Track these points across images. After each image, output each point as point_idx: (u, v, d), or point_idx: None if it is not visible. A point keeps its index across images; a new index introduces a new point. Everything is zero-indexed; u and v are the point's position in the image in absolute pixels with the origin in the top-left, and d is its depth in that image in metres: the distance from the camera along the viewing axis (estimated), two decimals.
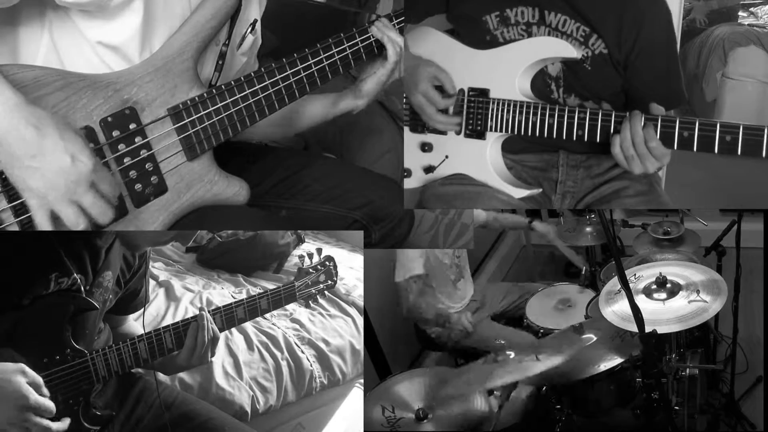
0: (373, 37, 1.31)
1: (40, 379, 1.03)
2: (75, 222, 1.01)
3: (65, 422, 1.08)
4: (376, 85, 1.38)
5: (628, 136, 1.25)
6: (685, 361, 1.74)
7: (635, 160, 1.27)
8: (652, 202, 1.48)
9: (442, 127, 1.46)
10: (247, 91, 1.20)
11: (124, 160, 1.12)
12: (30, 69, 1.03)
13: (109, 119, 1.09)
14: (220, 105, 1.19)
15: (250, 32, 1.30)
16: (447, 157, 1.49)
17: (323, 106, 1.45)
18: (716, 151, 1.21)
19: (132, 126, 1.12)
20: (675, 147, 1.24)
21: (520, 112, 1.38)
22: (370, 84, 1.38)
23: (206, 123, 1.18)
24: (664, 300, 1.60)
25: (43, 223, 1.01)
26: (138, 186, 1.14)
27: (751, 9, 1.95)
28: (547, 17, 1.37)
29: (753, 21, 1.94)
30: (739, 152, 1.19)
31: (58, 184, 0.98)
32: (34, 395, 1.00)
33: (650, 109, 1.27)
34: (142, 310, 1.37)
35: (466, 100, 1.43)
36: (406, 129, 1.53)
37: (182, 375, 1.70)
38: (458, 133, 1.46)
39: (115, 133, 1.10)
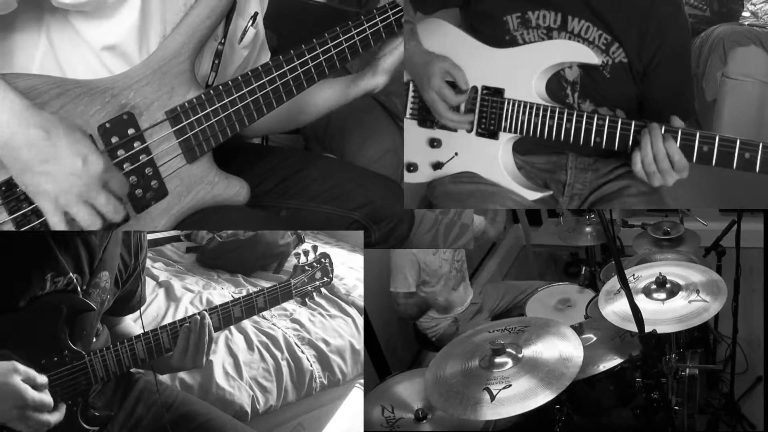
0: (369, 29, 1.26)
1: (32, 373, 1.02)
2: (90, 222, 1.01)
3: (61, 410, 1.08)
4: (397, 59, 1.34)
5: (649, 153, 1.22)
6: (685, 361, 1.74)
7: (656, 175, 1.24)
8: (653, 201, 1.47)
9: (452, 125, 1.43)
10: (245, 90, 1.19)
11: (124, 166, 1.12)
12: (25, 78, 1.02)
13: (107, 125, 1.09)
14: (218, 105, 1.18)
15: (251, 25, 1.29)
16: (456, 154, 1.47)
17: (336, 91, 1.41)
18: (734, 167, 1.20)
19: (130, 131, 1.11)
20: (694, 161, 1.23)
21: (536, 115, 1.36)
22: (391, 60, 1.34)
23: (205, 124, 1.17)
24: (663, 300, 1.61)
25: (58, 226, 1.01)
26: (138, 191, 1.14)
27: (752, 9, 1.94)
28: (569, 23, 1.35)
29: (753, 21, 1.94)
30: (757, 170, 1.19)
31: (72, 186, 0.98)
32: (30, 393, 1.00)
33: (671, 122, 1.25)
34: (140, 311, 1.37)
35: (479, 99, 1.41)
36: (414, 123, 1.50)
37: (182, 375, 1.70)
38: (469, 131, 1.44)
39: (114, 140, 1.10)
